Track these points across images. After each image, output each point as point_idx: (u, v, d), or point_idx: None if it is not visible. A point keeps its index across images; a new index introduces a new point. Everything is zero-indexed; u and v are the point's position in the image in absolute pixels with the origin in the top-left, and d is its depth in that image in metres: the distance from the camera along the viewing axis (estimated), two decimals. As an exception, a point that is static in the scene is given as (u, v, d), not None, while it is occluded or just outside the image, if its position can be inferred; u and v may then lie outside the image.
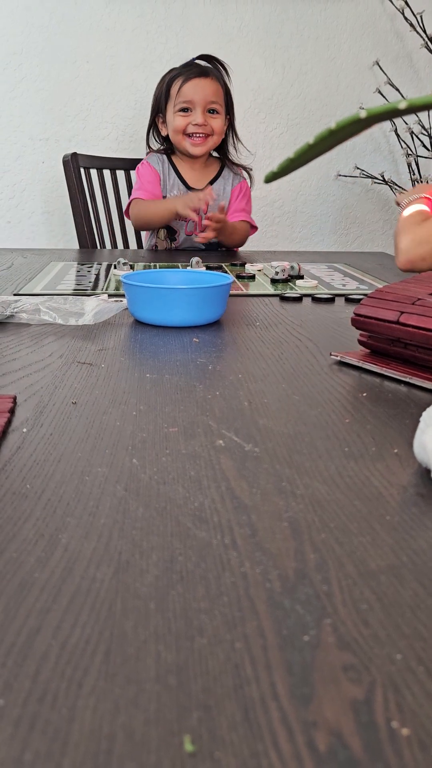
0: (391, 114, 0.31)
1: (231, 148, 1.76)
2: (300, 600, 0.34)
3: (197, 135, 1.64)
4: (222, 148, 1.75)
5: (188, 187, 1.71)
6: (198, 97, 1.61)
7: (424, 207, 1.17)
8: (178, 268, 1.42)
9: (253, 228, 1.78)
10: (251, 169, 1.79)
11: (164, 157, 1.72)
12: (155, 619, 0.32)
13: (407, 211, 1.17)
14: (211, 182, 1.71)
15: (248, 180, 1.78)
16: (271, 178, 0.36)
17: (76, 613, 0.33)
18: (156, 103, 1.71)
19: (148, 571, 0.36)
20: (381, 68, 2.43)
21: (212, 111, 1.63)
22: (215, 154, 1.78)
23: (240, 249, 1.78)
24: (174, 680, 0.29)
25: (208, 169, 1.73)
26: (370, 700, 0.28)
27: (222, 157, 1.76)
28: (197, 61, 1.71)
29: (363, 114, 0.31)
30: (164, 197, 1.70)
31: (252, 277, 1.32)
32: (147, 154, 1.81)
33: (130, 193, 1.93)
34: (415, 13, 2.34)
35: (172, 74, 1.68)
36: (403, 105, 0.30)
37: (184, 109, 1.63)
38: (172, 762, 0.25)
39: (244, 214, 1.76)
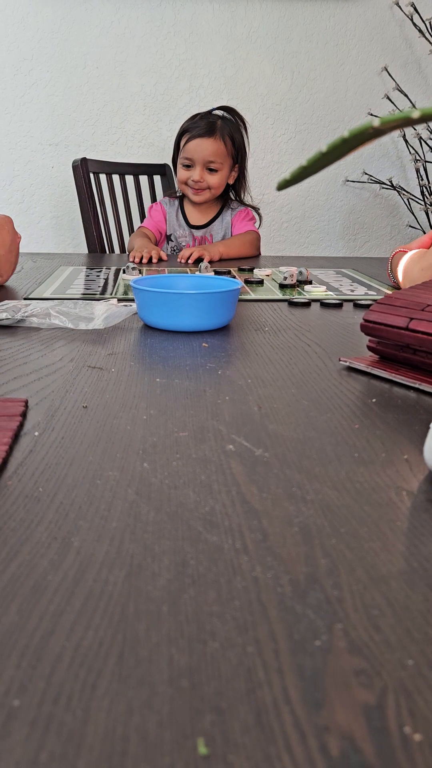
0: (404, 123, 0.31)
1: (241, 191, 1.93)
2: (311, 605, 0.34)
3: (195, 188, 1.83)
4: (235, 189, 1.91)
5: (189, 225, 1.89)
6: (198, 156, 1.78)
7: (413, 251, 1.20)
8: (187, 273, 1.43)
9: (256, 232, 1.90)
10: (259, 209, 1.93)
11: (176, 201, 1.92)
12: (168, 623, 0.33)
13: (405, 258, 1.20)
14: (212, 221, 1.90)
15: (255, 215, 1.92)
16: (283, 185, 0.36)
17: (89, 616, 0.33)
18: (174, 148, 1.90)
19: (160, 575, 0.36)
20: (389, 74, 2.43)
21: (211, 169, 1.80)
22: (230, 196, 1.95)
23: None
24: (187, 683, 0.29)
25: (208, 211, 1.91)
26: (382, 705, 0.28)
27: (224, 199, 1.92)
28: (215, 112, 1.85)
29: (376, 123, 0.31)
30: (168, 236, 1.91)
31: (260, 283, 1.32)
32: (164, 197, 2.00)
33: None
34: (424, 20, 2.34)
35: (184, 127, 1.84)
36: (416, 114, 0.30)
37: (187, 165, 1.81)
38: (185, 764, 0.25)
39: (249, 226, 1.89)
